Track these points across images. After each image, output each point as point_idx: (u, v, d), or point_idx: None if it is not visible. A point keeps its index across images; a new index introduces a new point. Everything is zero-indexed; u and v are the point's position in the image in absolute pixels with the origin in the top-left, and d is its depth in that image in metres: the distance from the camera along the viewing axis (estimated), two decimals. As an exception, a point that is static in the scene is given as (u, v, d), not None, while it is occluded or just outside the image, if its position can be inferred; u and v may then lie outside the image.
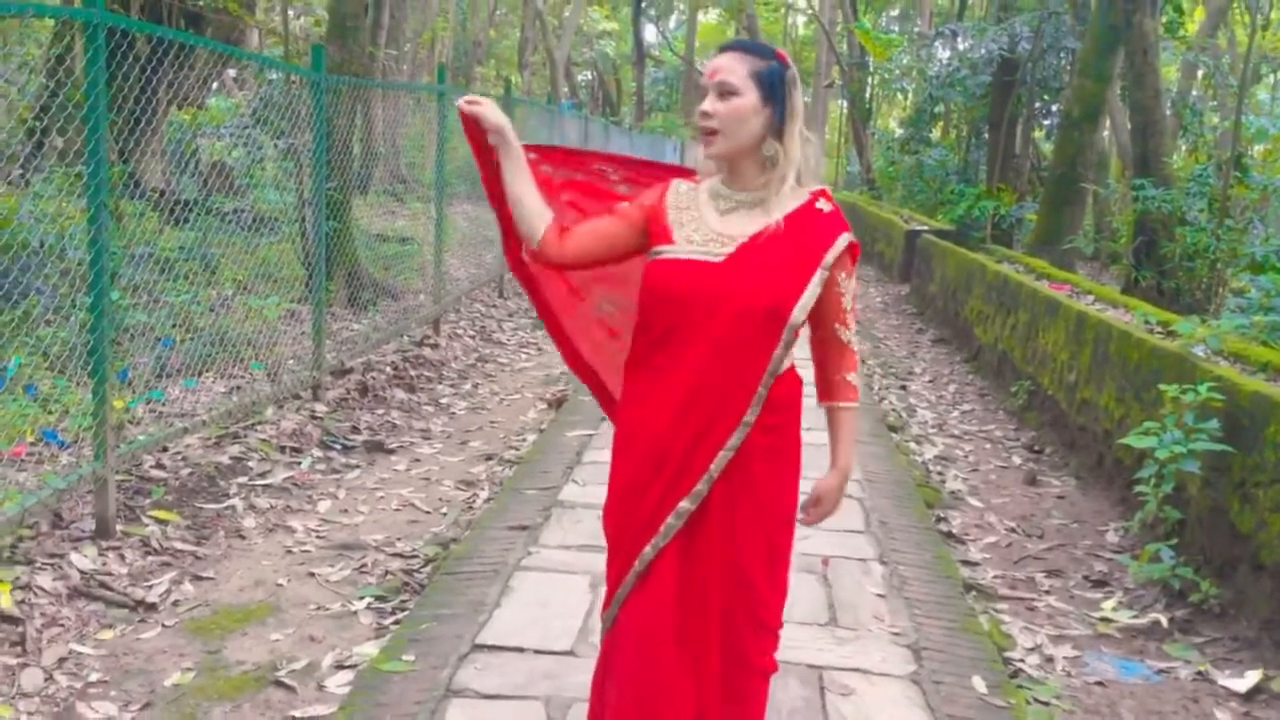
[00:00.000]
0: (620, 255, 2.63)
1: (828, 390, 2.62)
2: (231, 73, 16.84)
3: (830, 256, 2.47)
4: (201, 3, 11.00)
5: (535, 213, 2.62)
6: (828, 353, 2.59)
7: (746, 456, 2.50)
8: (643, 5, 40.21)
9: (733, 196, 2.53)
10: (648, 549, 2.50)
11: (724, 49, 2.52)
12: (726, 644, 2.53)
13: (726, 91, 2.44)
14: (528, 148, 2.70)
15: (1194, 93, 21.40)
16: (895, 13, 44.30)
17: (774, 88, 2.45)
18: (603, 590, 4.21)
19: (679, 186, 2.61)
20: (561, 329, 2.96)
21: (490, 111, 2.60)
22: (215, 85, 15.90)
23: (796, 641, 3.97)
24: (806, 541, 4.91)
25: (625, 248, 2.61)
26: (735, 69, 2.44)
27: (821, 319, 2.54)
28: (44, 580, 4.09)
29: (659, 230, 2.54)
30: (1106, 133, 20.59)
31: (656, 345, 2.51)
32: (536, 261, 2.74)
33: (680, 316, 2.46)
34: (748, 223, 2.49)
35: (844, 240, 2.51)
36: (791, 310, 2.43)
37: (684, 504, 2.48)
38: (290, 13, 16.58)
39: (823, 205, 2.53)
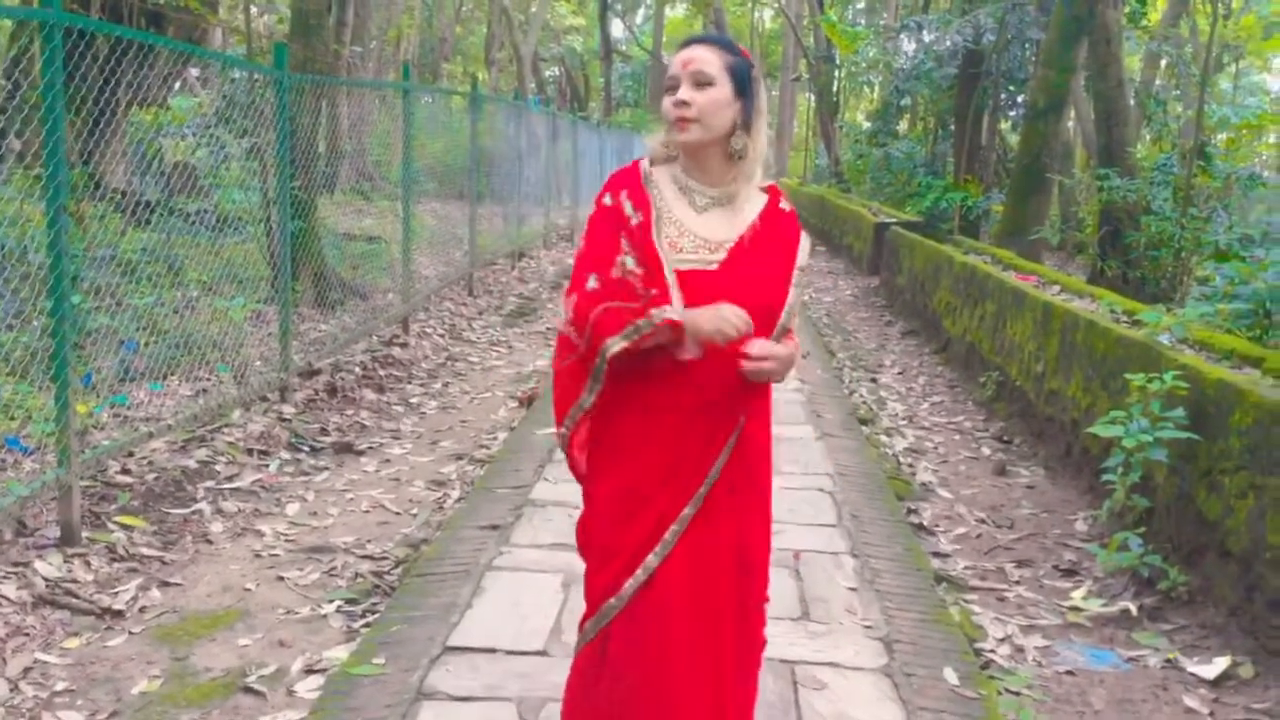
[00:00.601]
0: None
1: None
2: (195, 71, 16.67)
3: (802, 258, 2.57)
4: (162, 1, 10.87)
5: None
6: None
7: (745, 450, 2.53)
8: (609, 0, 40.15)
9: (705, 193, 2.52)
10: (651, 558, 2.47)
11: (694, 41, 2.52)
12: (738, 628, 2.56)
13: (703, 81, 2.44)
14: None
15: (1157, 82, 21.59)
16: (861, 6, 44.45)
17: (745, 82, 2.47)
18: (575, 589, 4.24)
19: (649, 185, 2.54)
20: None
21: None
22: (178, 84, 15.73)
23: (769, 636, 3.96)
24: (778, 537, 4.89)
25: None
26: (710, 60, 2.45)
27: None
28: (8, 589, 4.04)
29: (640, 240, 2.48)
30: (1071, 123, 20.76)
31: (655, 354, 2.44)
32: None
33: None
34: (726, 224, 2.51)
35: (805, 243, 2.61)
36: (781, 312, 2.50)
37: (687, 510, 2.48)
38: (253, 10, 16.42)
39: (784, 205, 2.60)
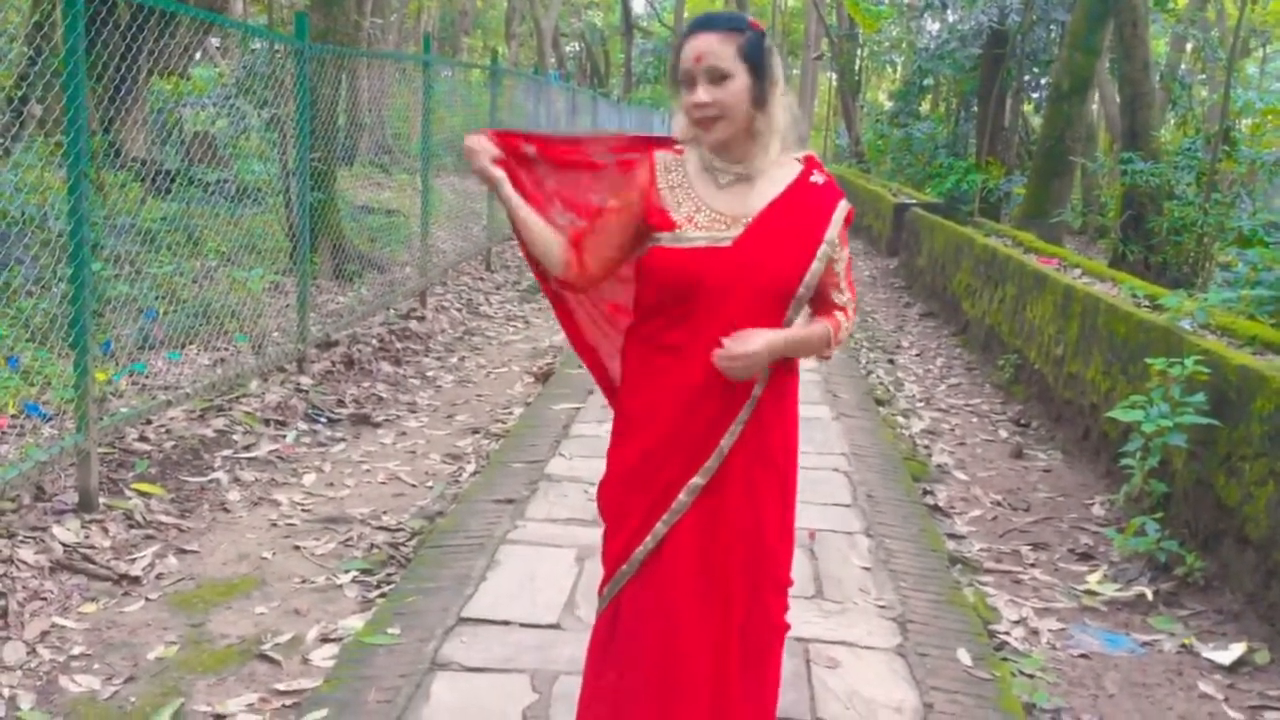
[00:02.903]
0: (634, 248, 2.57)
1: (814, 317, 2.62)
2: (215, 41, 16.67)
3: (832, 232, 2.49)
4: (184, -30, 10.85)
5: (550, 245, 2.59)
6: (819, 310, 2.58)
7: (762, 427, 2.51)
8: (631, -25, 39.96)
9: (729, 169, 2.49)
10: (659, 525, 2.49)
11: (698, 29, 2.44)
12: (749, 608, 2.54)
13: (719, 76, 2.38)
14: (521, 137, 2.64)
15: (1183, 66, 21.38)
16: (884, -16, 44.03)
17: (758, 60, 2.41)
18: (589, 564, 4.25)
19: (664, 160, 2.55)
20: (571, 315, 2.87)
21: (481, 165, 2.57)
22: (199, 54, 15.73)
23: (783, 615, 3.98)
24: (793, 515, 4.92)
25: (636, 240, 2.55)
26: (721, 51, 2.38)
27: (818, 288, 2.53)
28: (26, 554, 4.07)
29: (655, 213, 2.49)
30: (1095, 106, 20.55)
31: (667, 327, 2.48)
32: (565, 289, 2.72)
33: (693, 301, 2.43)
34: (747, 198, 2.47)
35: (841, 212, 2.52)
36: (798, 287, 2.45)
37: (696, 479, 2.48)
38: (274, -19, 16.40)
39: (816, 178, 2.53)
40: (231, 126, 11.55)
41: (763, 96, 2.42)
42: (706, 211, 2.46)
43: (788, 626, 2.70)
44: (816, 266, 2.47)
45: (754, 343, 2.36)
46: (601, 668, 2.63)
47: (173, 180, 8.67)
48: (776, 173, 2.50)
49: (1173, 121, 18.59)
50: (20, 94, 8.03)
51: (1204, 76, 21.14)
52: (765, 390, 2.49)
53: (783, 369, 2.53)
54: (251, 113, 10.31)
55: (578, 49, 48.57)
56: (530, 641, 3.71)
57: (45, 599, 3.88)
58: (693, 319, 2.43)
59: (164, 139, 11.13)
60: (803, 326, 2.51)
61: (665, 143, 2.60)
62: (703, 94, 2.39)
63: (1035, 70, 19.32)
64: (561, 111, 18.03)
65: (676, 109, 2.57)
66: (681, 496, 2.48)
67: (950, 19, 21.17)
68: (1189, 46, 22.78)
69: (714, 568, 2.49)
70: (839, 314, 2.57)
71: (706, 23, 2.45)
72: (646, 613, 2.51)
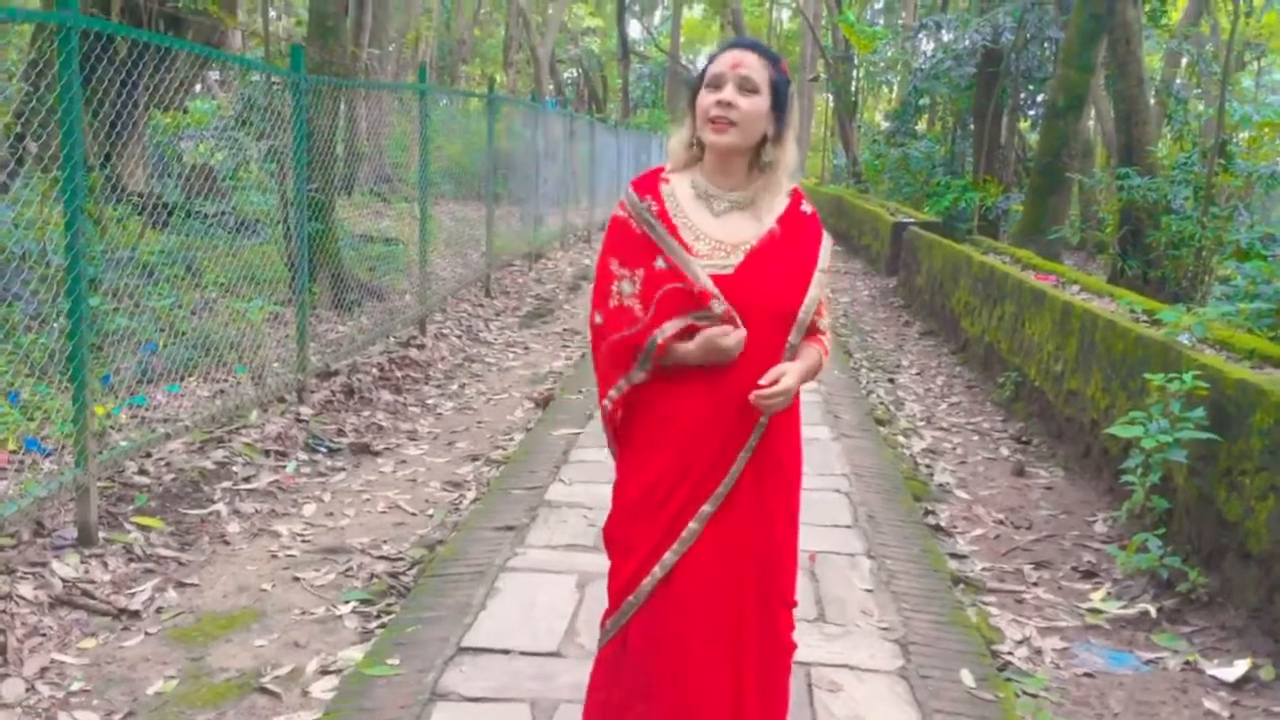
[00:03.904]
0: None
1: None
2: (214, 75, 16.76)
3: (824, 260, 2.56)
4: (180, 4, 10.92)
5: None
6: (807, 335, 2.59)
7: (771, 449, 2.53)
8: (626, 1, 40.17)
9: (725, 197, 2.54)
10: (668, 555, 2.49)
11: (742, 45, 2.53)
12: (762, 628, 2.54)
13: (749, 88, 2.46)
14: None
15: (1178, 81, 21.42)
16: (879, 5, 44.33)
17: (782, 97, 2.51)
18: (590, 590, 4.24)
19: (663, 189, 2.57)
20: None
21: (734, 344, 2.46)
22: (198, 87, 15.82)
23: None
24: (794, 537, 4.90)
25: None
26: (758, 69, 2.48)
27: None
28: (25, 589, 4.06)
29: (655, 242, 2.51)
30: (1091, 122, 20.63)
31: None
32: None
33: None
34: (744, 226, 2.52)
35: (828, 243, 2.60)
36: (799, 312, 2.49)
37: (706, 508, 2.48)
38: (271, 13, 16.49)
39: (805, 208, 2.60)
40: (230, 159, 11.60)
41: (779, 132, 2.51)
42: (706, 240, 2.49)
43: (795, 646, 2.70)
44: (814, 293, 2.52)
45: (789, 379, 2.42)
46: (608, 699, 2.62)
47: (171, 213, 8.69)
48: (770, 203, 2.55)
49: (1169, 136, 18.63)
50: (17, 130, 8.07)
51: (1199, 91, 21.22)
52: (773, 415, 2.50)
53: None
54: (250, 145, 10.36)
55: (575, 75, 48.78)
56: (531, 670, 3.69)
57: (44, 635, 3.87)
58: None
59: (163, 172, 11.17)
60: (807, 355, 2.55)
61: (643, 181, 2.61)
62: (729, 94, 2.44)
63: (1030, 88, 19.39)
64: (559, 138, 18.08)
65: (675, 130, 2.62)
66: (692, 525, 2.48)
67: (945, 38, 21.25)
68: (1183, 61, 22.86)
69: (727, 592, 2.50)
70: (822, 338, 2.62)
71: (749, 44, 2.55)
72: (658, 643, 2.50)
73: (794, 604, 2.68)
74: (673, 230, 2.49)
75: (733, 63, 2.47)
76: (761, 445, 2.50)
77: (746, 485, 2.50)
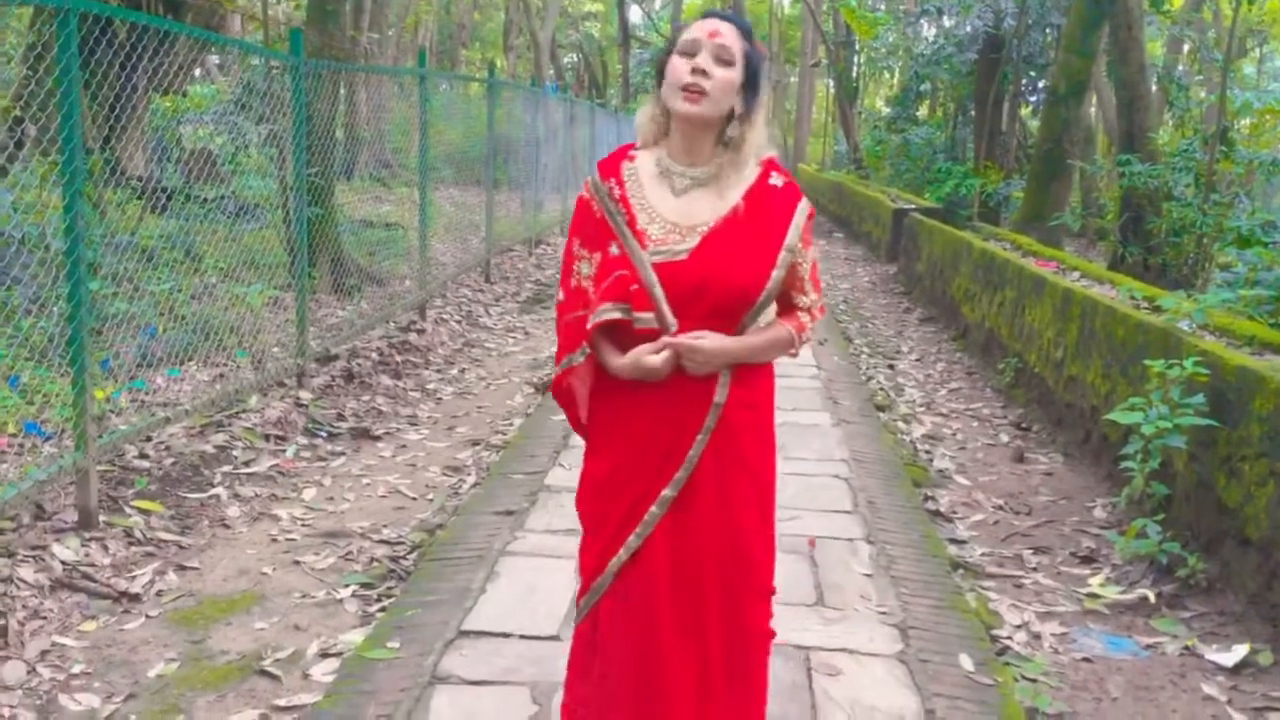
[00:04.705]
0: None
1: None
2: (214, 59, 16.72)
3: (793, 237, 2.47)
4: (180, -13, 10.89)
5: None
6: (782, 313, 2.57)
7: (732, 434, 2.48)
8: (627, -14, 40.04)
9: (687, 173, 2.46)
10: (632, 538, 2.48)
11: (720, 15, 2.48)
12: (729, 617, 2.52)
13: (725, 59, 2.40)
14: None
15: (1179, 67, 21.37)
16: (881, -9, 44.12)
17: (755, 73, 2.44)
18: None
19: (626, 169, 2.53)
20: None
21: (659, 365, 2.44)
22: (197, 71, 15.78)
23: (783, 622, 3.95)
24: (794, 522, 4.91)
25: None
26: (734, 40, 2.41)
27: (780, 292, 2.53)
28: (26, 572, 4.06)
29: (612, 227, 2.49)
30: (1092, 108, 20.58)
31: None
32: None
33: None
34: (705, 205, 2.45)
35: (802, 215, 2.50)
36: (758, 297, 2.44)
37: (666, 492, 2.47)
38: (271, -3, 16.41)
39: (776, 180, 2.51)
40: (230, 143, 11.58)
41: (749, 109, 2.44)
42: (661, 223, 2.44)
43: (773, 634, 2.68)
44: (778, 274, 2.45)
45: (705, 342, 2.39)
46: (582, 678, 2.64)
47: (170, 197, 8.68)
48: (732, 182, 2.47)
49: (1170, 123, 18.59)
50: (16, 114, 8.05)
51: (1201, 77, 21.17)
52: (730, 396, 2.46)
53: (748, 374, 2.51)
54: (250, 129, 10.34)
55: (575, 60, 48.66)
56: (530, 653, 3.70)
57: (45, 618, 3.88)
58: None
59: (163, 156, 11.15)
60: (761, 331, 2.49)
61: (608, 161, 2.58)
62: (704, 61, 2.38)
63: (1032, 74, 19.34)
64: (560, 123, 18.04)
65: (647, 103, 2.55)
66: (653, 509, 2.47)
67: (946, 24, 21.21)
68: (1185, 48, 22.79)
69: (688, 578, 2.48)
70: (803, 315, 2.56)
71: (728, 16, 2.49)
72: (623, 624, 2.50)
73: (772, 592, 2.65)
74: (630, 218, 2.45)
75: (710, 31, 2.40)
76: (721, 431, 2.46)
77: (707, 471, 2.47)
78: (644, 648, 2.47)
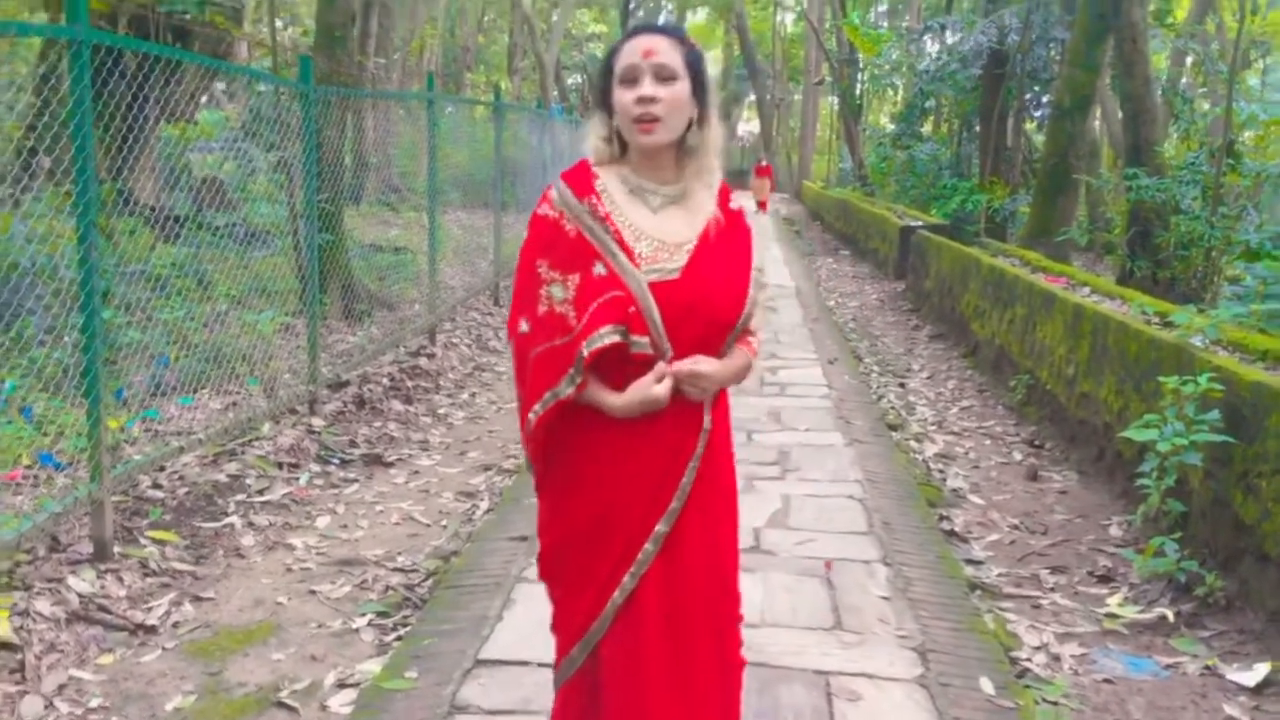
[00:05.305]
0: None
1: None
2: (221, 86, 16.80)
3: (759, 258, 2.44)
4: (188, 16, 10.96)
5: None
6: (737, 338, 2.48)
7: (712, 458, 2.43)
8: (631, 7, 40.16)
9: (659, 191, 2.37)
10: (627, 579, 2.36)
11: (647, 30, 2.35)
12: (716, 646, 2.44)
13: (667, 76, 2.28)
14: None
15: (1184, 80, 21.42)
16: (884, 8, 44.35)
17: (700, 74, 2.34)
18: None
19: (596, 186, 2.39)
20: None
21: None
22: (205, 99, 15.85)
23: (801, 647, 3.95)
24: (810, 544, 4.90)
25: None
26: (672, 53, 2.30)
27: None
28: (42, 605, 4.06)
29: (596, 246, 2.34)
30: (1098, 122, 20.60)
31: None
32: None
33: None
34: (683, 223, 2.37)
35: (758, 240, 2.49)
36: (739, 317, 2.38)
37: (660, 527, 2.36)
38: (278, 24, 16.54)
39: (735, 204, 2.48)
40: (239, 170, 11.63)
41: (703, 112, 2.36)
42: (648, 240, 2.33)
43: (744, 662, 2.57)
44: (753, 293, 2.40)
45: (704, 365, 2.31)
46: None
47: (182, 225, 8.72)
48: (703, 194, 2.41)
49: (1176, 136, 18.56)
50: (29, 145, 8.10)
51: (1205, 90, 21.16)
52: (713, 422, 2.42)
53: (721, 396, 2.48)
54: (259, 156, 10.39)
55: (580, 81, 48.81)
56: (549, 681, 3.66)
57: (62, 651, 3.87)
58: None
59: (173, 184, 11.20)
60: (735, 355, 2.43)
61: (571, 176, 2.41)
62: (648, 88, 2.27)
63: (1036, 89, 19.34)
64: (566, 144, 18.10)
65: (595, 121, 2.42)
66: (648, 546, 2.35)
67: (950, 40, 21.25)
68: (1189, 60, 22.82)
69: (680, 611, 2.38)
70: (753, 339, 2.49)
71: (656, 27, 2.37)
72: (625, 666, 2.38)
73: (740, 619, 2.56)
74: (617, 235, 2.30)
75: (644, 50, 2.28)
76: (706, 457, 2.40)
77: (695, 498, 2.38)
78: (642, 690, 2.36)
